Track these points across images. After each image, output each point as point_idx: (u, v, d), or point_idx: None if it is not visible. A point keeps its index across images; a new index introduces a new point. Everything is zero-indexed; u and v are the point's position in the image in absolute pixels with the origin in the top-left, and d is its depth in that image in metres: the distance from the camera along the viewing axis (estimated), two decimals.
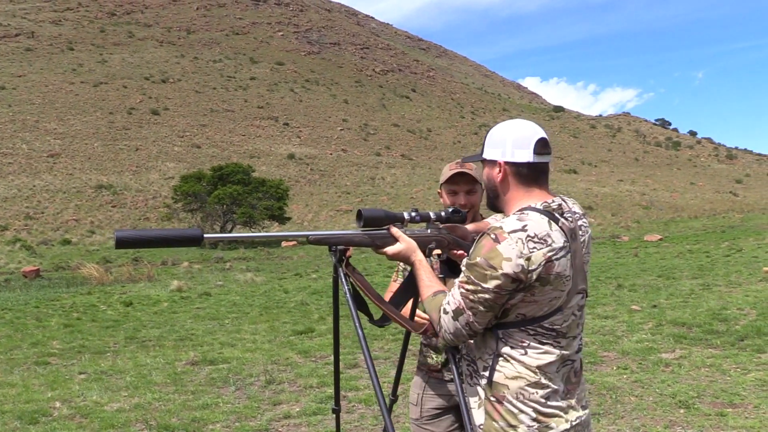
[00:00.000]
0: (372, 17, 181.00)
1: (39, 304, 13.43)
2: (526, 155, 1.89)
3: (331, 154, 75.53)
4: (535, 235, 1.79)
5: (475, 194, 2.66)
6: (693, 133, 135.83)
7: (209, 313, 11.79)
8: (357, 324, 2.06)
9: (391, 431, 1.93)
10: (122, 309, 12.53)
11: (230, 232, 36.55)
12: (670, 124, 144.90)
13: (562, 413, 1.85)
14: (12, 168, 55.20)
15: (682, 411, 5.09)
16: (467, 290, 1.83)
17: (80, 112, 74.54)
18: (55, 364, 7.88)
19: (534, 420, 1.82)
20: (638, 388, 5.79)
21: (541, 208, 1.86)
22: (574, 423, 1.87)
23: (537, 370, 1.83)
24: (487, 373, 1.87)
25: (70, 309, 12.61)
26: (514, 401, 1.83)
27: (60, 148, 61.77)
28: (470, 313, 1.83)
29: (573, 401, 1.89)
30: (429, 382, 2.68)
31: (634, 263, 17.96)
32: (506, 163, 1.92)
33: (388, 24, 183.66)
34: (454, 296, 1.86)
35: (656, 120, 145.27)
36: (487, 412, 1.87)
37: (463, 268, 1.88)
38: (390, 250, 2.06)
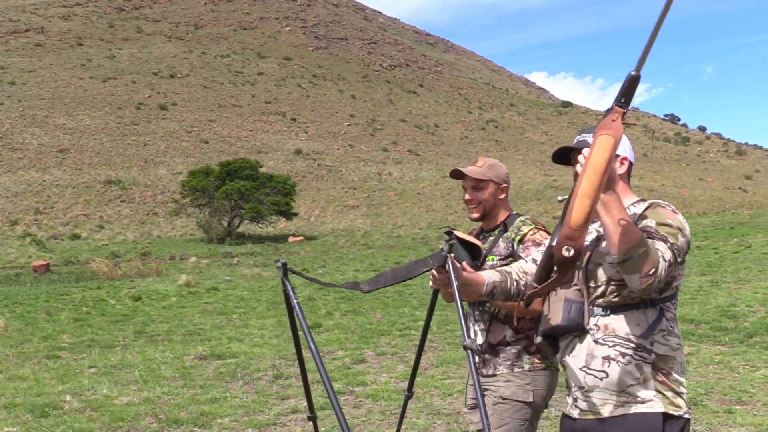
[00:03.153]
0: (379, 12, 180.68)
1: (49, 298, 13.52)
2: (632, 157, 2.12)
3: (338, 149, 75.54)
4: None
5: (482, 191, 2.68)
6: (702, 129, 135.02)
7: (217, 307, 11.85)
8: (308, 335, 2.14)
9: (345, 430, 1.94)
10: (131, 304, 12.60)
11: (237, 227, 36.65)
12: (679, 119, 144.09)
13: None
14: (22, 163, 55.50)
15: None
16: (673, 244, 1.90)
17: (89, 107, 74.81)
18: (65, 357, 7.94)
19: (684, 387, 2.01)
20: None
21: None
22: None
23: (681, 340, 2.03)
24: (655, 348, 1.96)
25: (79, 303, 12.69)
26: (678, 371, 1.99)
27: (69, 144, 62.03)
28: (669, 263, 1.87)
29: None
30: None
31: None
32: (628, 159, 2.10)
33: (395, 19, 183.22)
34: (666, 245, 1.89)
35: (665, 115, 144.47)
36: (656, 387, 1.95)
37: (652, 225, 1.93)
38: None
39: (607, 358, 1.95)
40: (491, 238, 2.70)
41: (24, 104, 71.96)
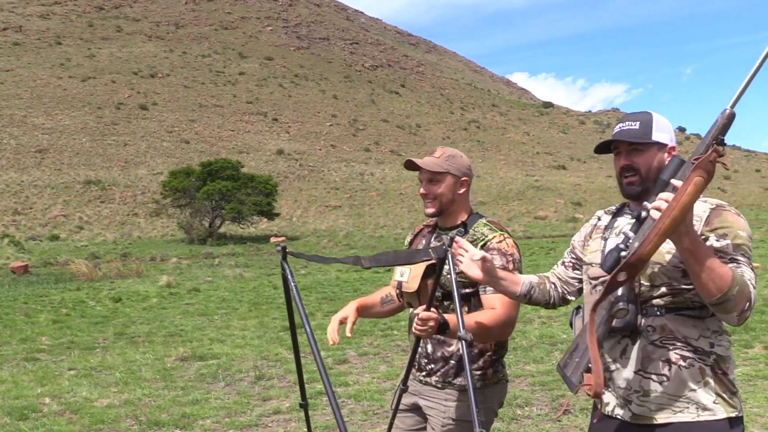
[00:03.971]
0: (361, 12, 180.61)
1: (28, 300, 13.36)
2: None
3: (320, 149, 75.40)
4: None
5: (439, 184, 2.46)
6: (682, 129, 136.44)
7: (198, 308, 11.78)
8: (305, 320, 2.06)
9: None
10: (111, 305, 12.49)
11: (219, 228, 36.48)
12: None
13: None
14: (0, 163, 54.77)
15: None
16: (748, 260, 1.83)
17: (68, 107, 74.01)
18: (44, 360, 7.86)
19: (736, 385, 1.96)
20: None
21: None
22: None
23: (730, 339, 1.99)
24: (715, 350, 1.89)
25: (59, 305, 12.56)
26: (732, 370, 1.94)
27: (48, 144, 61.32)
28: (754, 284, 1.81)
29: None
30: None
31: None
32: (674, 149, 1.99)
33: (377, 19, 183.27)
34: (750, 270, 1.82)
35: None
36: (717, 390, 1.89)
37: (728, 244, 1.83)
38: None
39: (668, 362, 1.87)
40: (444, 235, 2.46)
41: (2, 104, 71.01)
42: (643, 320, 1.89)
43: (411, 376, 2.56)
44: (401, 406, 2.57)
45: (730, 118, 1.73)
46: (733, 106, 1.74)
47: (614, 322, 1.87)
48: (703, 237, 1.84)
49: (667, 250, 1.85)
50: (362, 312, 2.62)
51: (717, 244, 1.83)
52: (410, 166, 2.52)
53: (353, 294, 13.16)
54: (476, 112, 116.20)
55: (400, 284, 2.52)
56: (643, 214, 1.83)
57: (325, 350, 7.76)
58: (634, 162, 1.97)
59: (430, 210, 2.49)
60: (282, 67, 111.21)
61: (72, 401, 5.91)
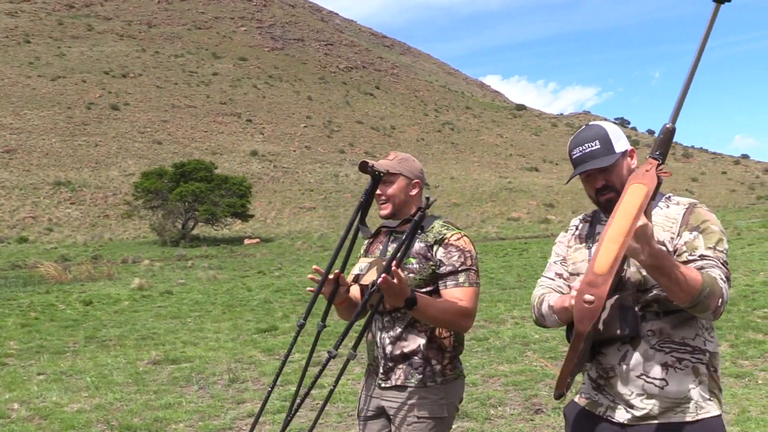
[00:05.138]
0: (336, 13, 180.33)
1: None
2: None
3: (294, 150, 75.12)
4: None
5: (392, 185, 2.53)
6: (651, 132, 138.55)
7: (171, 311, 11.67)
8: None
9: None
10: (82, 308, 12.32)
11: (192, 229, 36.17)
12: (629, 122, 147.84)
13: None
14: None
15: None
16: (722, 254, 1.87)
17: (37, 106, 72.75)
18: (12, 364, 7.72)
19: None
20: None
21: None
22: None
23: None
24: (707, 347, 1.94)
25: (27, 308, 12.35)
26: (719, 366, 1.99)
27: (16, 144, 60.20)
28: (727, 279, 1.85)
29: None
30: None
31: None
32: (633, 150, 2.04)
33: (352, 21, 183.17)
34: (719, 266, 1.84)
35: (616, 119, 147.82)
36: (710, 387, 1.94)
37: (700, 237, 1.87)
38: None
39: (665, 365, 1.90)
40: (402, 237, 2.43)
41: None
42: (643, 325, 1.91)
43: (371, 382, 2.58)
44: (367, 413, 2.58)
45: (668, 133, 1.78)
46: (673, 122, 1.79)
47: (619, 330, 1.88)
48: (679, 236, 1.91)
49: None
50: (343, 299, 2.60)
51: (689, 239, 1.88)
52: (363, 168, 2.54)
53: None
54: (450, 114, 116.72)
55: (357, 277, 2.57)
56: None
57: (300, 352, 7.75)
58: (608, 180, 1.99)
59: (385, 212, 2.56)
60: (256, 68, 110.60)
61: (41, 406, 5.82)
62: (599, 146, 1.98)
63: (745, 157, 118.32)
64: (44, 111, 71.78)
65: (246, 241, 35.14)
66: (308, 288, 2.53)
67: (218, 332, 9.39)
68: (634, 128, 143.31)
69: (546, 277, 2.17)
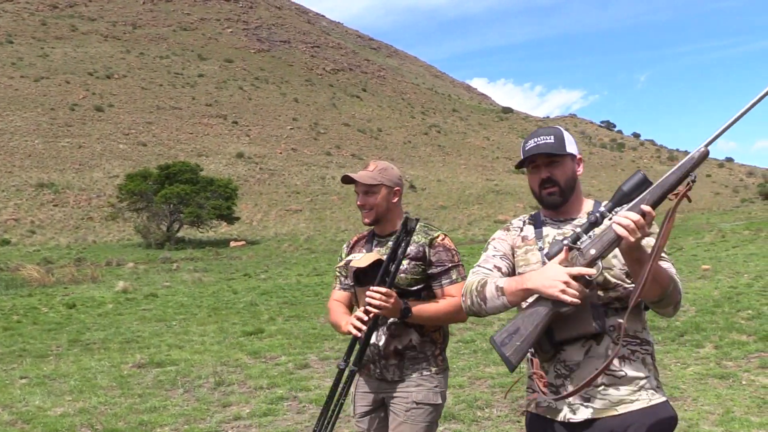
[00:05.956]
0: (323, 15, 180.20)
1: None
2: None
3: (280, 153, 74.93)
4: None
5: (374, 195, 2.67)
6: (636, 135, 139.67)
7: (156, 314, 11.59)
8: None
9: None
10: (65, 311, 12.20)
11: (177, 232, 35.96)
12: (614, 126, 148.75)
13: None
14: None
15: None
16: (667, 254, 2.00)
17: (20, 107, 72.04)
18: None
19: None
20: None
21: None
22: None
23: None
24: (650, 339, 2.08)
25: (9, 312, 12.21)
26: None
27: None
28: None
29: None
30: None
31: None
32: (581, 159, 2.14)
33: (338, 23, 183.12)
34: (669, 262, 1.99)
35: (601, 122, 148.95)
36: (655, 375, 2.06)
37: (651, 236, 1.94)
38: None
39: (622, 358, 1.99)
40: (389, 243, 2.60)
41: None
42: (606, 321, 1.98)
43: (366, 374, 2.69)
44: (364, 408, 2.70)
45: (703, 156, 1.87)
46: (707, 146, 1.86)
47: (586, 328, 1.95)
48: None
49: (613, 254, 1.96)
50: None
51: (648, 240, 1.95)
52: (347, 180, 2.69)
53: (314, 298, 13.12)
54: (437, 116, 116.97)
55: (347, 263, 2.69)
56: (606, 222, 1.89)
57: (286, 355, 7.73)
58: (553, 174, 2.08)
59: (368, 220, 2.71)
60: (242, 70, 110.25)
61: (24, 411, 5.75)
62: (553, 141, 2.08)
63: (729, 160, 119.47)
64: (27, 112, 71.10)
65: (232, 244, 35.00)
66: (354, 332, 2.54)
67: (204, 335, 9.33)
68: (619, 131, 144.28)
69: (483, 267, 2.15)
